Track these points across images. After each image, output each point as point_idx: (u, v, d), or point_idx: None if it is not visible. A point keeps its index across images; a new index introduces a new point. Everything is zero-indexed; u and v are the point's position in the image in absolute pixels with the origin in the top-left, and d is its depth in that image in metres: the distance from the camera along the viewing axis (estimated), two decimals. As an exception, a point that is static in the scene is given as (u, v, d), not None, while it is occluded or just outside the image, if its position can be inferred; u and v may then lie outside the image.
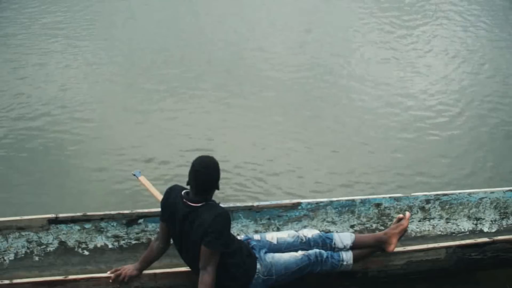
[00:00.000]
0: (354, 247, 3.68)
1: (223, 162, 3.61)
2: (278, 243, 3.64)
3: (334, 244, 3.67)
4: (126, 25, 8.69)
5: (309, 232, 3.73)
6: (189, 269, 3.46)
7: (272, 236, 3.67)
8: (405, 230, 3.72)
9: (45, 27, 8.51)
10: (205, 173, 3.27)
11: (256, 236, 3.67)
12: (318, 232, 3.74)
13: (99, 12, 9.16)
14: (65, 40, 8.07)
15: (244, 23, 8.90)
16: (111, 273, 3.47)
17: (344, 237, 3.70)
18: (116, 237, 4.03)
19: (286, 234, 3.70)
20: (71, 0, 9.54)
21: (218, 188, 3.36)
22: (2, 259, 3.88)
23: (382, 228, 4.29)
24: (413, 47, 8.28)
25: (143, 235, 4.06)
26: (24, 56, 7.58)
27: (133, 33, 8.39)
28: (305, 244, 3.67)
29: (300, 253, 3.59)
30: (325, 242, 3.68)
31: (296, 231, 3.75)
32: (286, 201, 4.21)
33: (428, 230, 4.40)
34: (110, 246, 4.03)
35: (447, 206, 4.41)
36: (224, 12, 9.29)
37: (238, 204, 4.14)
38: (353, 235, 3.71)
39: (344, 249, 3.67)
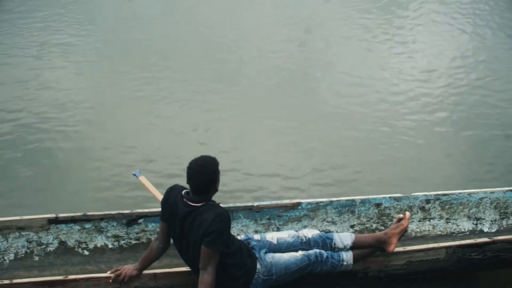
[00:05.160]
0: (354, 247, 3.68)
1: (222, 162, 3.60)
2: (278, 243, 3.64)
3: (334, 244, 3.67)
4: (124, 24, 8.67)
5: (309, 232, 3.73)
6: (189, 269, 3.47)
7: (272, 236, 3.67)
8: (405, 230, 3.73)
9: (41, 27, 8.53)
10: (200, 171, 3.26)
11: (256, 236, 3.67)
12: (318, 232, 3.74)
13: (97, 11, 9.17)
14: (64, 40, 8.07)
15: (241, 22, 8.92)
16: (111, 273, 3.47)
17: (344, 237, 3.70)
18: (116, 237, 4.03)
19: (286, 234, 3.70)
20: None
21: (216, 189, 3.36)
22: (2, 259, 3.88)
23: (382, 228, 4.30)
24: (406, 44, 8.28)
25: (143, 235, 4.06)
26: (22, 55, 7.58)
27: (133, 33, 8.37)
28: (305, 244, 3.67)
29: (300, 253, 3.60)
30: (325, 242, 3.68)
31: (296, 231, 3.75)
32: (286, 201, 4.21)
33: (428, 230, 4.40)
34: (110, 246, 4.03)
35: (447, 206, 4.41)
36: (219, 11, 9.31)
37: (238, 204, 4.14)
38: (353, 235, 3.71)
39: (344, 249, 3.68)
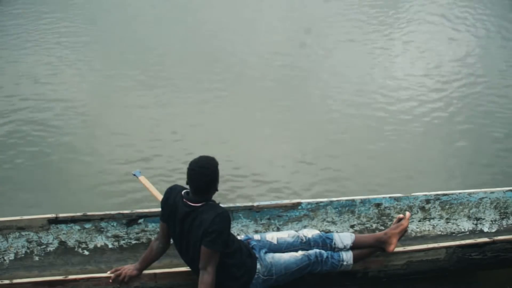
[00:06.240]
0: (354, 247, 3.68)
1: (222, 163, 3.60)
2: (278, 243, 3.64)
3: (334, 244, 3.67)
4: (126, 23, 8.69)
5: (309, 232, 3.73)
6: (189, 269, 3.46)
7: (272, 236, 3.67)
8: (405, 230, 3.73)
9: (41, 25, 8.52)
10: (200, 172, 3.25)
11: (256, 236, 3.67)
12: (318, 232, 3.74)
13: (97, 11, 9.17)
14: (64, 40, 8.07)
15: (241, 22, 8.93)
16: (111, 273, 3.47)
17: (344, 237, 3.70)
18: (116, 237, 4.03)
19: (286, 234, 3.70)
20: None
21: (216, 189, 3.36)
22: (2, 259, 3.88)
23: (382, 228, 4.30)
24: (406, 44, 8.28)
25: (143, 235, 4.06)
26: (23, 55, 7.58)
27: (133, 32, 8.39)
28: (305, 244, 3.67)
29: (300, 253, 3.59)
30: (325, 242, 3.67)
31: (296, 231, 3.75)
32: (286, 201, 4.21)
33: (428, 230, 4.40)
34: (110, 246, 4.03)
35: (447, 206, 4.41)
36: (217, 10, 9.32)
37: (238, 204, 4.14)
38: (353, 235, 3.71)
39: (344, 249, 3.67)
